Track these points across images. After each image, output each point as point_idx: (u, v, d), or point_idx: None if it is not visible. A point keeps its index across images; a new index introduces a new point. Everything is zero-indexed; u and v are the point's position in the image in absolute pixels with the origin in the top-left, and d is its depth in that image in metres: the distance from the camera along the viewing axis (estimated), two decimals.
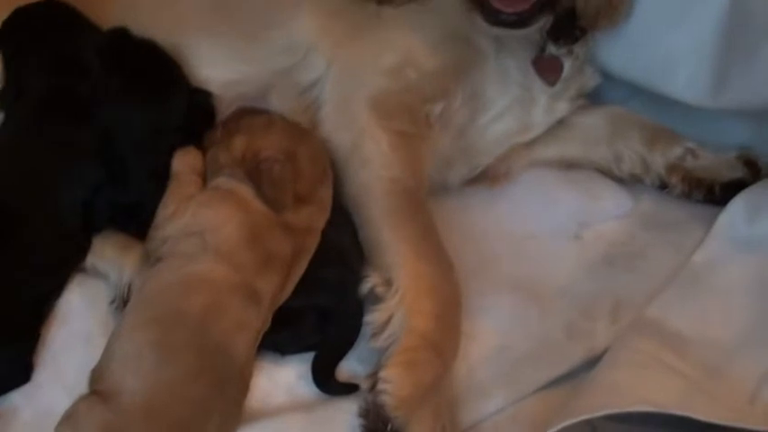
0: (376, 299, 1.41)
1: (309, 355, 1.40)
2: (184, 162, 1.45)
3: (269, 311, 1.35)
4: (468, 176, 1.67)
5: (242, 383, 1.32)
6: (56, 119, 1.48)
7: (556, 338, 1.48)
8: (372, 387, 1.32)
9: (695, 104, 1.62)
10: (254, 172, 1.39)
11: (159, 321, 1.28)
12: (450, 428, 1.34)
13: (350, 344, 1.42)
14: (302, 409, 1.38)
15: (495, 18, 1.47)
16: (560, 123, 1.73)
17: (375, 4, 1.56)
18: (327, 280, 1.41)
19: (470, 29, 1.53)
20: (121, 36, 1.54)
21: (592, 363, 1.44)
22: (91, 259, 1.45)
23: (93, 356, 1.30)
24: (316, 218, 1.42)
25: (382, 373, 1.32)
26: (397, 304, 1.38)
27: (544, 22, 1.52)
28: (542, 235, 1.64)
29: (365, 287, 1.42)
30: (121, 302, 1.42)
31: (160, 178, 1.45)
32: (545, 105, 1.66)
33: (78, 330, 1.41)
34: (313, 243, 1.41)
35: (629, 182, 1.75)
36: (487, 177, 1.69)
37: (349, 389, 1.38)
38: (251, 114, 1.50)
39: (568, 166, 1.76)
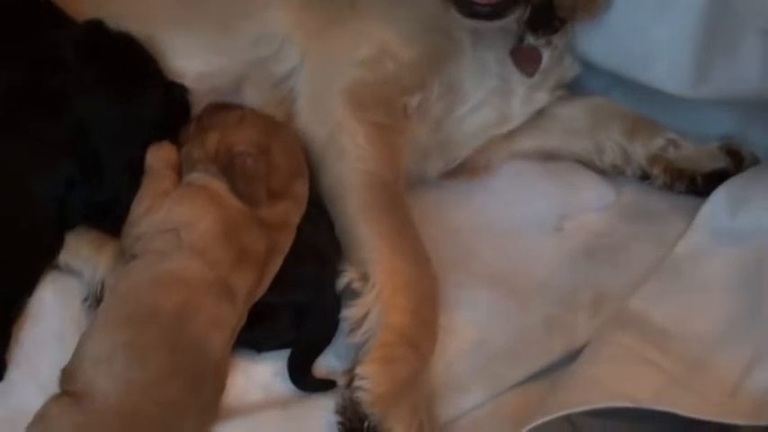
0: (353, 294, 1.40)
1: (285, 352, 1.39)
2: (158, 157, 1.44)
3: (244, 308, 1.34)
4: (446, 169, 1.66)
5: (218, 381, 1.31)
6: (29, 112, 1.45)
7: (535, 332, 1.47)
8: (349, 383, 1.32)
9: (677, 94, 1.61)
10: (228, 167, 1.38)
11: (132, 321, 1.27)
12: (427, 424, 1.33)
13: (327, 340, 1.41)
14: (279, 407, 1.37)
15: (468, 10, 1.45)
16: (540, 114, 1.72)
17: None
18: (303, 276, 1.40)
19: (446, 20, 1.51)
20: (97, 28, 1.52)
21: (571, 357, 1.43)
22: (64, 257, 1.44)
23: (66, 355, 1.28)
24: (291, 213, 1.41)
25: (359, 370, 1.31)
26: (373, 300, 1.37)
27: (521, 12, 1.50)
28: (522, 227, 1.63)
29: (342, 282, 1.41)
30: (95, 301, 1.40)
31: (135, 173, 1.43)
32: (523, 96, 1.65)
33: (51, 328, 1.40)
34: (288, 238, 1.39)
35: (610, 173, 1.74)
36: (466, 170, 1.68)
37: (326, 385, 1.37)
38: (224, 109, 1.48)
39: (549, 157, 1.75)
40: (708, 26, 1.51)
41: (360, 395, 1.29)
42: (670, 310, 1.48)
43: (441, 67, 1.56)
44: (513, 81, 1.63)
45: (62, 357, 1.28)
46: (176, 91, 1.53)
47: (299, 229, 1.41)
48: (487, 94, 1.61)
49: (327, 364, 1.41)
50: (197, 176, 1.40)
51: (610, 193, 1.71)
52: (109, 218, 1.44)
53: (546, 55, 1.63)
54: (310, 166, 1.48)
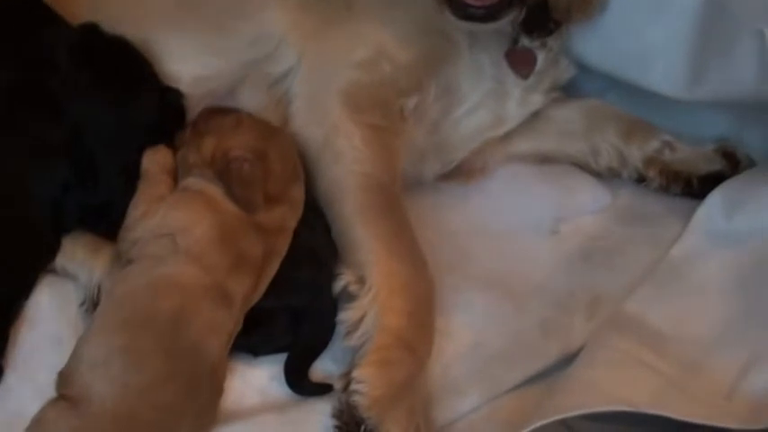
0: (349, 297, 1.40)
1: (282, 356, 1.39)
2: (154, 161, 1.44)
3: (241, 313, 1.34)
4: (443, 171, 1.66)
5: (215, 385, 1.31)
6: (26, 115, 1.45)
7: (531, 335, 1.47)
8: (346, 387, 1.32)
9: (672, 96, 1.61)
10: (224, 172, 1.38)
11: (129, 325, 1.27)
12: (424, 427, 1.33)
13: (323, 344, 1.41)
14: (275, 410, 1.37)
15: (463, 12, 1.45)
16: (536, 117, 1.72)
17: None
18: (300, 280, 1.40)
19: (442, 22, 1.51)
20: (92, 31, 1.52)
21: (567, 360, 1.43)
22: (61, 260, 1.43)
23: (63, 359, 1.28)
24: (287, 217, 1.41)
25: (355, 373, 1.31)
26: (370, 302, 1.38)
27: (515, 14, 1.51)
28: (518, 230, 1.63)
29: (338, 285, 1.41)
30: (91, 305, 1.40)
31: (130, 177, 1.43)
32: (519, 98, 1.65)
33: (48, 332, 1.39)
34: (285, 243, 1.39)
35: (606, 176, 1.74)
36: (462, 172, 1.68)
37: (322, 389, 1.37)
38: (220, 114, 1.48)
39: (544, 160, 1.76)
40: (703, 28, 1.51)
41: (356, 399, 1.29)
42: (666, 312, 1.49)
43: (437, 69, 1.56)
44: (508, 83, 1.63)
45: (59, 361, 1.28)
46: (171, 95, 1.53)
47: (296, 232, 1.41)
48: (483, 96, 1.61)
49: (324, 367, 1.41)
50: (193, 181, 1.40)
51: (605, 195, 1.71)
52: (104, 222, 1.44)
53: (541, 57, 1.64)
54: (306, 169, 1.48)
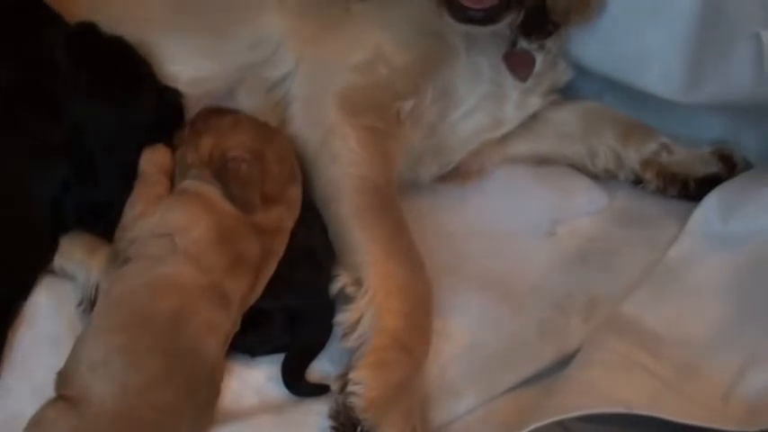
0: (346, 298, 1.40)
1: (280, 357, 1.39)
2: (152, 162, 1.44)
3: (238, 313, 1.34)
4: (440, 173, 1.66)
5: (213, 386, 1.31)
6: (26, 115, 1.46)
7: (528, 337, 1.47)
8: (342, 388, 1.32)
9: (669, 99, 1.61)
10: (222, 172, 1.38)
11: (127, 325, 1.27)
12: (420, 429, 1.33)
13: (321, 345, 1.41)
14: (272, 411, 1.37)
15: (462, 15, 1.46)
16: (533, 119, 1.72)
17: None
18: (297, 281, 1.40)
19: (440, 25, 1.51)
20: (90, 31, 1.52)
21: (564, 362, 1.43)
22: (58, 260, 1.43)
23: (61, 359, 1.28)
24: (285, 218, 1.41)
25: (352, 374, 1.31)
26: (366, 304, 1.38)
27: (514, 17, 1.50)
28: (515, 232, 1.63)
29: (335, 287, 1.41)
30: (89, 304, 1.40)
31: (129, 176, 1.43)
32: (516, 101, 1.65)
33: (46, 332, 1.39)
34: (282, 243, 1.39)
35: (603, 178, 1.75)
36: (459, 174, 1.68)
37: (319, 390, 1.37)
38: (218, 114, 1.48)
39: (541, 162, 1.76)
40: (700, 31, 1.52)
41: (353, 400, 1.29)
42: (663, 314, 1.49)
43: (434, 72, 1.57)
44: (506, 86, 1.63)
45: (57, 361, 1.28)
46: (170, 95, 1.53)
47: (293, 233, 1.41)
48: (481, 98, 1.61)
49: (321, 368, 1.40)
50: (190, 183, 1.40)
51: (602, 197, 1.71)
52: (102, 221, 1.44)
53: (539, 59, 1.63)
54: (304, 171, 1.48)
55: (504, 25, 1.51)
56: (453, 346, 1.44)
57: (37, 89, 1.47)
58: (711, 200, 1.61)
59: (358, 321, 1.37)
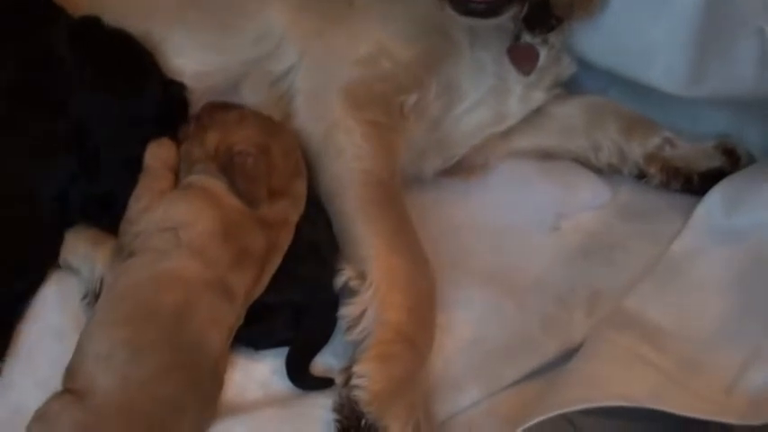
0: (350, 292, 1.40)
1: (284, 350, 1.39)
2: (157, 156, 1.44)
3: (243, 307, 1.34)
4: (443, 167, 1.66)
5: (216, 379, 1.31)
6: (29, 110, 1.46)
7: (531, 331, 1.48)
8: (346, 381, 1.32)
9: (673, 93, 1.61)
10: (228, 166, 1.38)
11: (131, 319, 1.28)
12: (424, 422, 1.33)
13: (325, 339, 1.41)
14: (277, 404, 1.37)
15: (464, 7, 1.45)
16: (537, 113, 1.72)
17: None
18: (301, 275, 1.40)
19: (443, 18, 1.51)
20: (94, 25, 1.53)
21: (567, 356, 1.43)
22: (63, 254, 1.44)
23: (65, 352, 1.29)
24: (290, 212, 1.41)
25: (356, 368, 1.32)
26: (370, 298, 1.38)
27: (517, 10, 1.50)
28: (519, 226, 1.63)
29: (339, 280, 1.41)
30: (93, 298, 1.40)
31: (133, 170, 1.43)
32: (520, 95, 1.65)
33: (51, 326, 1.40)
34: (287, 238, 1.40)
35: (606, 172, 1.75)
36: (463, 169, 1.68)
37: (323, 383, 1.37)
38: (224, 108, 1.48)
39: (545, 156, 1.76)
40: (704, 25, 1.51)
41: (357, 393, 1.29)
42: (666, 308, 1.49)
43: (438, 66, 1.56)
44: (509, 80, 1.63)
45: (62, 355, 1.29)
46: (174, 88, 1.53)
47: (298, 227, 1.41)
48: (484, 92, 1.61)
49: (325, 362, 1.41)
50: (196, 178, 1.40)
51: (606, 191, 1.71)
52: (107, 215, 1.44)
53: (543, 53, 1.63)
54: (308, 165, 1.48)
55: (507, 18, 1.51)
56: (457, 339, 1.44)
57: (41, 84, 1.47)
58: (715, 194, 1.61)
59: (362, 315, 1.37)
